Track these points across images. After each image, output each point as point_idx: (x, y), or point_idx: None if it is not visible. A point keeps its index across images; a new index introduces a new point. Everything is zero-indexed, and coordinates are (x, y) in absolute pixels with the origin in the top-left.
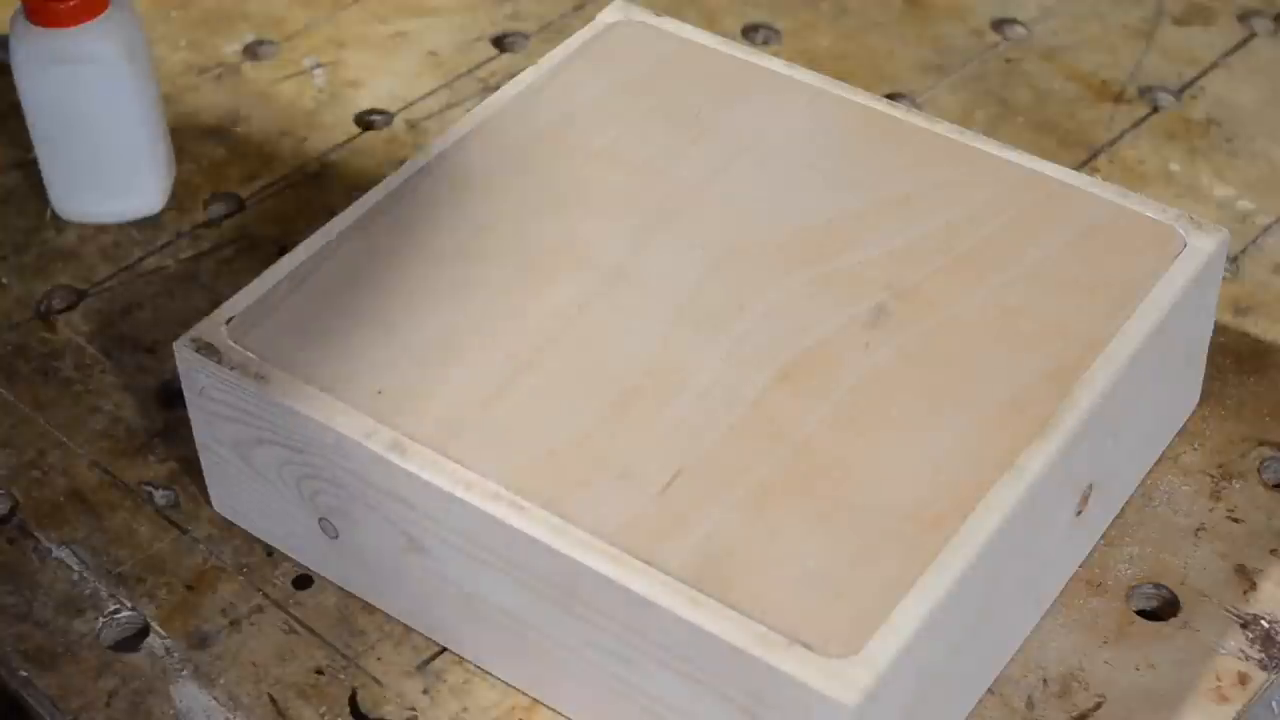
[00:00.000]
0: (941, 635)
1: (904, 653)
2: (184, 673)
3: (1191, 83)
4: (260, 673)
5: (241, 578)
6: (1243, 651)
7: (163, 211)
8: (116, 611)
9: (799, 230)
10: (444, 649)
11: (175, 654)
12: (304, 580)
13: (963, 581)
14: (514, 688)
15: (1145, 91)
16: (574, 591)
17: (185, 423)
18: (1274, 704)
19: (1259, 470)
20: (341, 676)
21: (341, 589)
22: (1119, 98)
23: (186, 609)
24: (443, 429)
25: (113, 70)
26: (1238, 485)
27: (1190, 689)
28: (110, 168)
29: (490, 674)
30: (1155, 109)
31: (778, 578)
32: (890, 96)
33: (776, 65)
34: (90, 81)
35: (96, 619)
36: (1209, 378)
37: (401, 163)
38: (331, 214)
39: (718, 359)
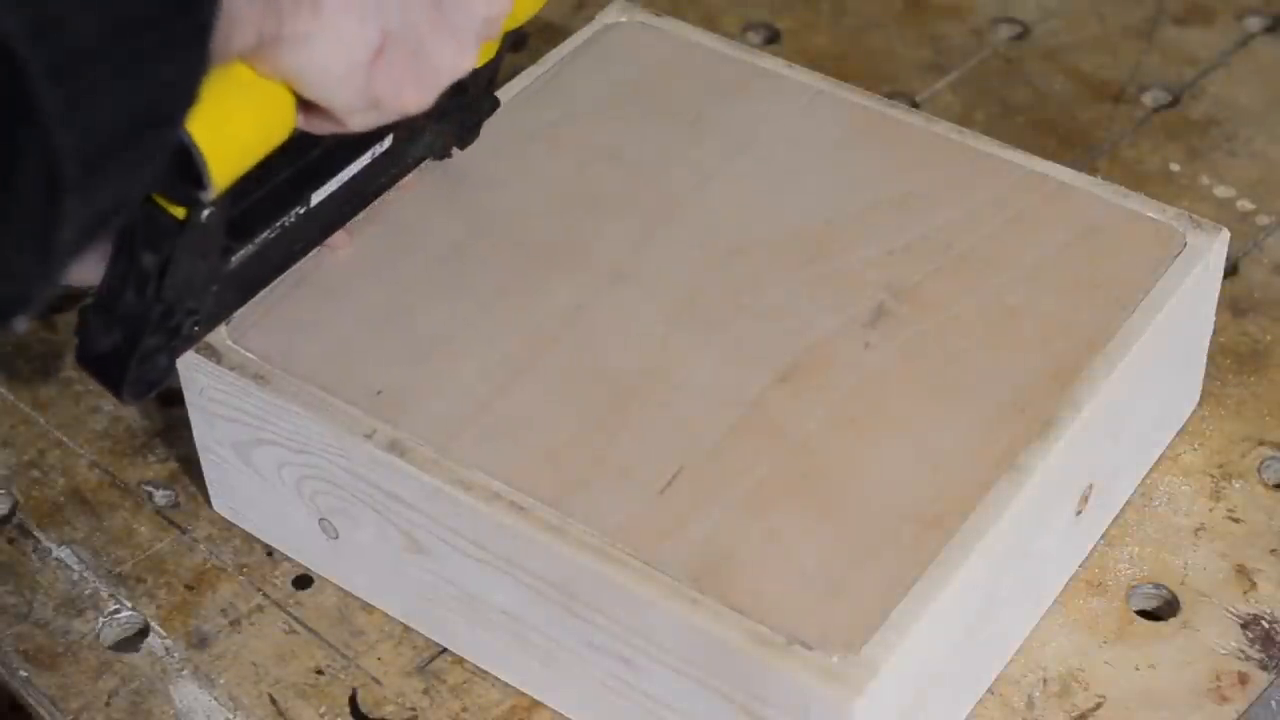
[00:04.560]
0: (941, 635)
1: (904, 653)
2: (184, 673)
3: (1192, 83)
4: (260, 673)
5: (241, 578)
6: (1243, 651)
7: None
8: (116, 611)
9: (799, 230)
10: (444, 649)
11: (175, 654)
12: (304, 580)
13: (963, 581)
14: (514, 688)
15: (1145, 91)
16: (574, 591)
17: (185, 423)
18: (1274, 704)
19: (1259, 470)
20: (341, 676)
21: (341, 589)
22: (1119, 98)
23: (186, 609)
24: (443, 429)
25: None
26: (1238, 485)
27: (1190, 689)
28: None
29: (490, 674)
30: (1155, 109)
31: (777, 578)
32: (890, 96)
33: (776, 65)
34: None
35: (96, 619)
36: (1209, 378)
37: None
38: None
39: (717, 359)
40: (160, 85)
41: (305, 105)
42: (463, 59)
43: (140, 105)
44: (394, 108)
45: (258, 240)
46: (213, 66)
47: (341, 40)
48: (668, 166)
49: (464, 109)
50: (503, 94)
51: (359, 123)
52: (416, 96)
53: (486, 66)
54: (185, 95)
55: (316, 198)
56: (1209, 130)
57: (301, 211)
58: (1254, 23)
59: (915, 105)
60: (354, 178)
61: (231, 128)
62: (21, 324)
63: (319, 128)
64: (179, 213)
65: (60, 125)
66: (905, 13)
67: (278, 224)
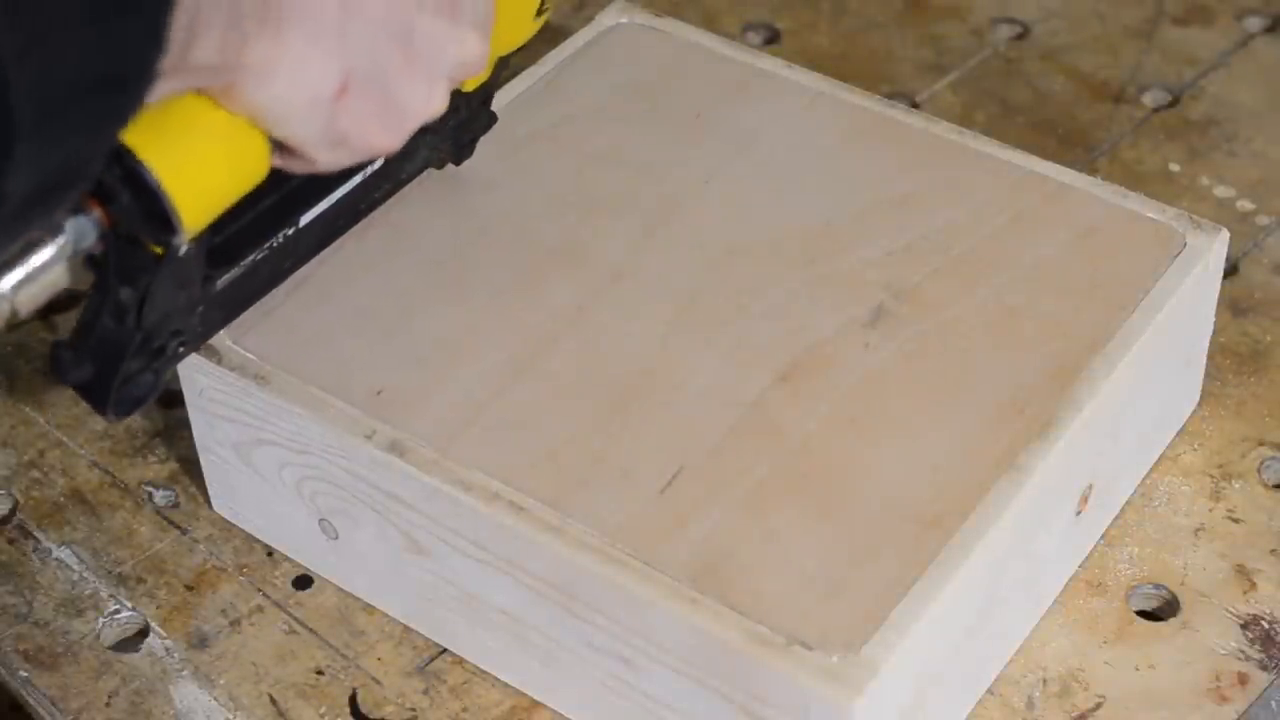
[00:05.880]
0: (941, 635)
1: (904, 653)
2: (184, 673)
3: (1191, 83)
4: (260, 673)
5: (241, 578)
6: (1243, 651)
7: None
8: (116, 611)
9: (799, 230)
10: (444, 649)
11: (175, 654)
12: (304, 580)
13: (963, 581)
14: (514, 688)
15: (1145, 91)
16: (574, 592)
17: (185, 423)
18: (1274, 704)
19: (1259, 470)
20: (341, 676)
21: (341, 589)
22: (1119, 98)
23: (186, 609)
24: (443, 429)
25: None
26: (1238, 485)
27: (1190, 689)
28: None
29: (490, 674)
30: (1155, 109)
31: (777, 578)
32: (890, 96)
33: (776, 65)
34: None
35: (96, 619)
36: (1209, 378)
37: None
38: None
39: (717, 359)
40: (117, 45)
41: (278, 145)
42: (432, 101)
43: (97, 61)
44: (361, 147)
45: (244, 264)
46: (173, 52)
47: (303, 73)
48: (668, 167)
49: (460, 126)
50: (503, 94)
51: (328, 161)
52: (384, 137)
53: (481, 87)
54: (142, 61)
55: (305, 219)
56: (1209, 130)
57: (290, 233)
58: (1254, 23)
59: (915, 105)
60: (346, 196)
61: (200, 171)
62: None
63: (292, 166)
64: (156, 248)
65: (15, 62)
66: (905, 13)
67: (264, 247)
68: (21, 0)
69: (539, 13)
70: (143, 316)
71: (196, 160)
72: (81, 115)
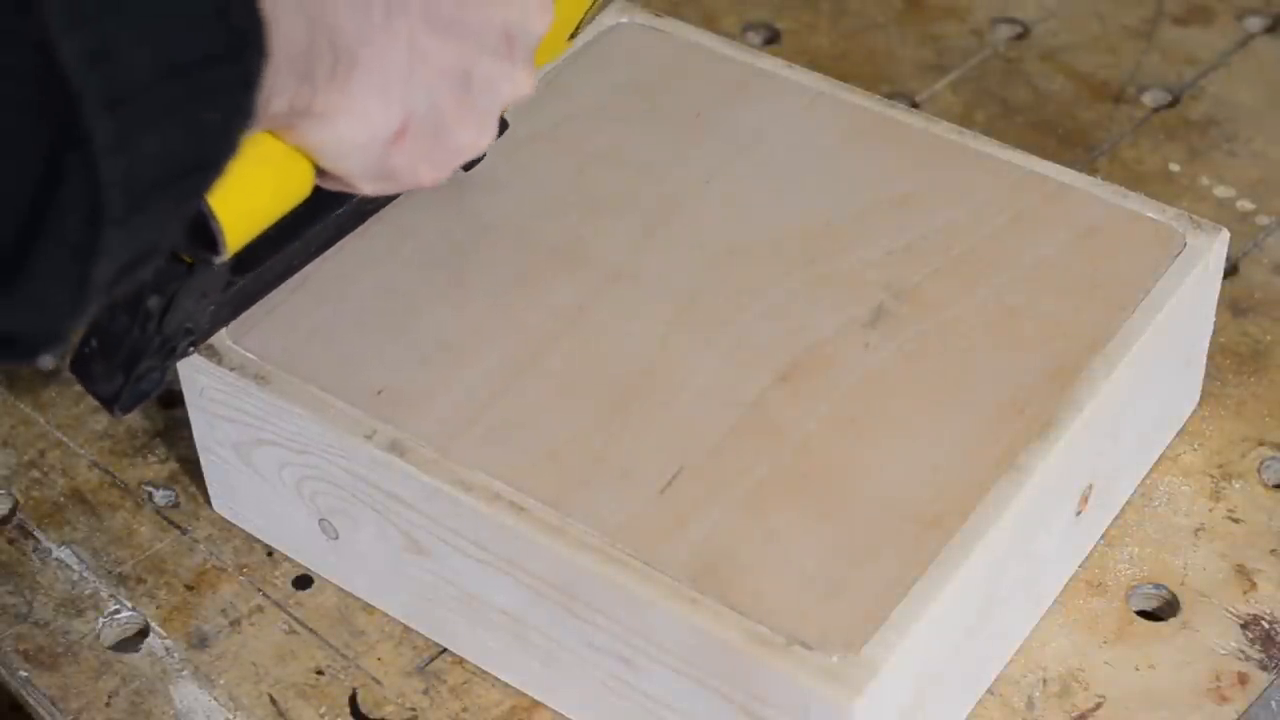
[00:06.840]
0: (941, 635)
1: (904, 653)
2: (184, 673)
3: (1192, 83)
4: (260, 673)
5: (241, 578)
6: (1243, 651)
7: None
8: (116, 611)
9: (799, 230)
10: (444, 649)
11: (175, 654)
12: (304, 580)
13: (963, 581)
14: (514, 688)
15: (1145, 91)
16: (574, 592)
17: (185, 423)
18: (1274, 704)
19: (1259, 470)
20: (341, 676)
21: (341, 589)
22: (1119, 98)
23: (186, 609)
24: (443, 429)
25: None
26: (1238, 485)
27: (1190, 689)
28: None
29: (490, 674)
30: (1155, 109)
31: (777, 578)
32: (890, 96)
33: (776, 66)
34: None
35: (96, 619)
36: (1209, 378)
37: None
38: None
39: (718, 359)
40: (206, 128)
41: (322, 170)
42: (482, 138)
43: (186, 146)
44: (408, 182)
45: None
46: (254, 121)
47: (365, 119)
48: (668, 167)
49: None
50: None
51: (371, 190)
52: (432, 173)
53: None
54: (228, 142)
55: (318, 223)
56: (1209, 130)
57: (304, 235)
58: (1254, 23)
59: (915, 105)
60: (355, 200)
61: (247, 194)
62: (46, 361)
63: (332, 188)
64: (187, 259)
65: (109, 155)
66: (905, 13)
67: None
68: (116, 95)
69: (571, 35)
70: (165, 323)
71: (245, 184)
72: (168, 200)
